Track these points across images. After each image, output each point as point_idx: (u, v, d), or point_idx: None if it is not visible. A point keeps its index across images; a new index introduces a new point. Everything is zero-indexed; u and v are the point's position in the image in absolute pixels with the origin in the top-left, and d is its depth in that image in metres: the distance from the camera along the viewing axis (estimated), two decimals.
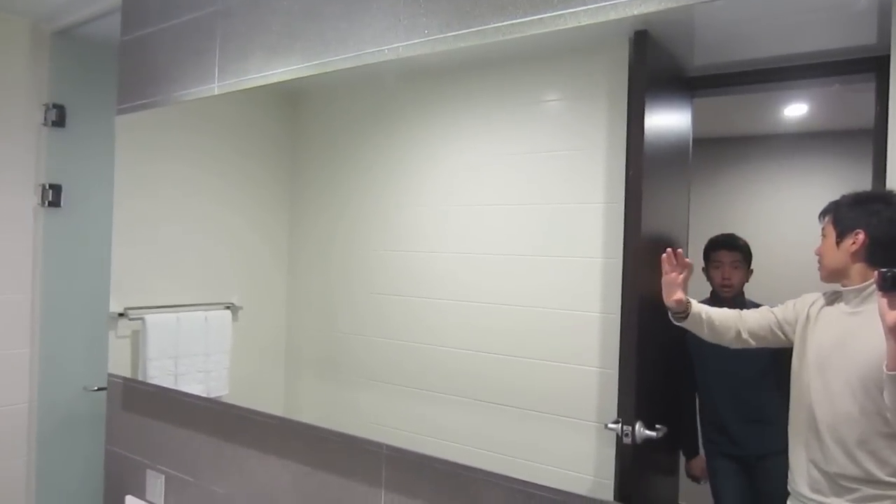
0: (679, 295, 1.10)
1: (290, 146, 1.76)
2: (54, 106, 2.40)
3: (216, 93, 1.77)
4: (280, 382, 1.74)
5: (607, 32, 1.18)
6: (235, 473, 1.72)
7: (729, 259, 1.19)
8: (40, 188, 2.39)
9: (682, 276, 1.10)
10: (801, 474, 1.02)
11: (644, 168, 1.13)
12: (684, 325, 1.12)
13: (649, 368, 1.15)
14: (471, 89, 1.40)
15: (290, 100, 1.76)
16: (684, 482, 1.25)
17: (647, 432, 1.10)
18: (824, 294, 1.04)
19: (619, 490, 1.13)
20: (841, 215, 1.02)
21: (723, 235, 1.20)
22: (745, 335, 1.09)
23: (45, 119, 2.39)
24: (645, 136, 1.13)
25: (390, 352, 1.50)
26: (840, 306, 1.02)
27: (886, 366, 0.89)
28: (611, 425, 1.13)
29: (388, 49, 1.43)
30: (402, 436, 1.42)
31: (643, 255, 1.14)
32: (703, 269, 1.21)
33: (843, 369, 0.98)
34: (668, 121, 1.23)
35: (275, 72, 1.64)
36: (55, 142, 2.41)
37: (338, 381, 1.60)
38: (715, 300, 1.19)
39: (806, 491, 1.01)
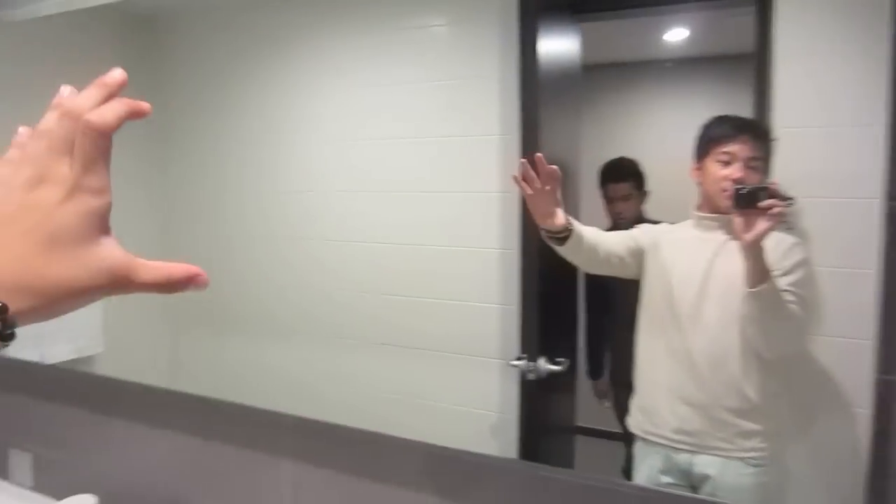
0: (555, 212, 1.01)
1: (153, 81, 1.55)
2: None
3: None
4: (164, 334, 1.60)
5: None
6: (116, 448, 1.57)
7: (619, 193, 1.15)
8: None
9: (549, 187, 1.01)
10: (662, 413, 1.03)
11: (539, 96, 1.08)
12: (562, 249, 1.04)
13: (551, 302, 1.14)
14: (347, 15, 1.28)
15: (144, 26, 1.55)
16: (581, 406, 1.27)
17: (551, 367, 1.10)
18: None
19: (524, 423, 1.13)
20: None
21: (610, 165, 1.15)
22: (602, 255, 1.07)
23: None
24: (538, 62, 1.08)
25: (286, 296, 1.41)
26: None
27: (745, 284, 0.92)
28: (514, 362, 1.12)
29: None
30: (301, 384, 1.35)
31: None
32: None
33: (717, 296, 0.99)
34: (558, 46, 1.18)
35: None
36: None
37: (228, 331, 1.49)
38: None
39: (668, 432, 1.02)
